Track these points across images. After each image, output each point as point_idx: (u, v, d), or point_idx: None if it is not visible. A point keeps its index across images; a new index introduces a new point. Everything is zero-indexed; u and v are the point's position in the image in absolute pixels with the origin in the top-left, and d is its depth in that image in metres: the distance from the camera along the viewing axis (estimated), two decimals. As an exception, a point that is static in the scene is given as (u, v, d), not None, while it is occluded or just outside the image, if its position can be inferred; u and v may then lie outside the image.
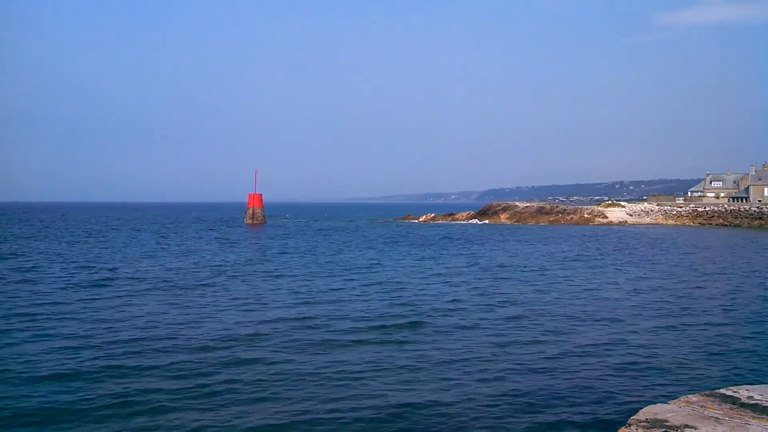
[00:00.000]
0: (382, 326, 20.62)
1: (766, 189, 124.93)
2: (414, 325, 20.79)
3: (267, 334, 19.19)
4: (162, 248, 53.27)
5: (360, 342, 18.43)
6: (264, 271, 36.52)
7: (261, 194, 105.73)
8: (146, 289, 28.49)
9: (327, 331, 19.80)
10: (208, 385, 14.01)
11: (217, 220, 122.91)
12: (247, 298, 26.34)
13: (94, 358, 16.10)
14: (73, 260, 41.79)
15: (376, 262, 42.84)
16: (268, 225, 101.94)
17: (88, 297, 26.16)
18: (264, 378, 14.62)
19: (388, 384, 14.30)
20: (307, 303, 25.32)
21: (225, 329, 19.95)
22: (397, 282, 32.08)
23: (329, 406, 12.84)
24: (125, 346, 17.45)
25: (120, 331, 19.52)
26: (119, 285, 30.01)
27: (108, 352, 16.83)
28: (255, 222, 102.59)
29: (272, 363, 15.94)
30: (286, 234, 78.49)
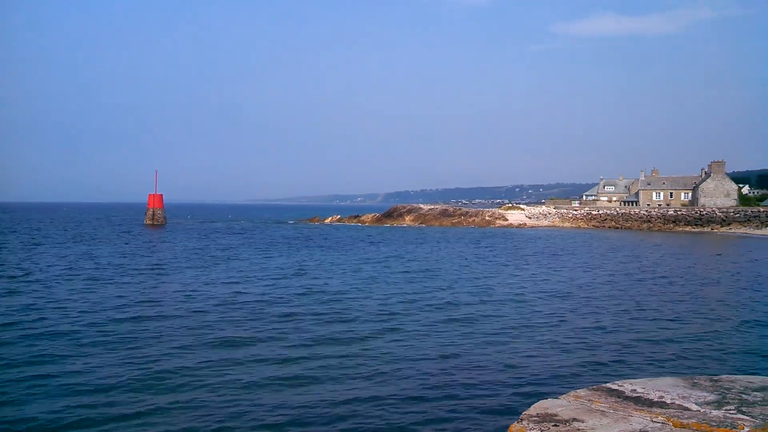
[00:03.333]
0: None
1: (653, 193, 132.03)
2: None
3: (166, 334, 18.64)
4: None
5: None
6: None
7: (162, 195, 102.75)
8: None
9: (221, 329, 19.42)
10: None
11: (112, 222, 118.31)
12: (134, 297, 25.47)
13: None
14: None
15: (295, 265, 42.39)
16: (169, 226, 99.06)
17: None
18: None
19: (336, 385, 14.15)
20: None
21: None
22: (328, 284, 31.87)
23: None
24: None
25: None
26: None
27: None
28: (155, 223, 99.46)
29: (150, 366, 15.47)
30: (191, 236, 76.44)
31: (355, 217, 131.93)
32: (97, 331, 19.41)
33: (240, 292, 28.34)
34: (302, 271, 37.55)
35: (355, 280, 33.79)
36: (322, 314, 23.12)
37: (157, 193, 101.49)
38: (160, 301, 25.60)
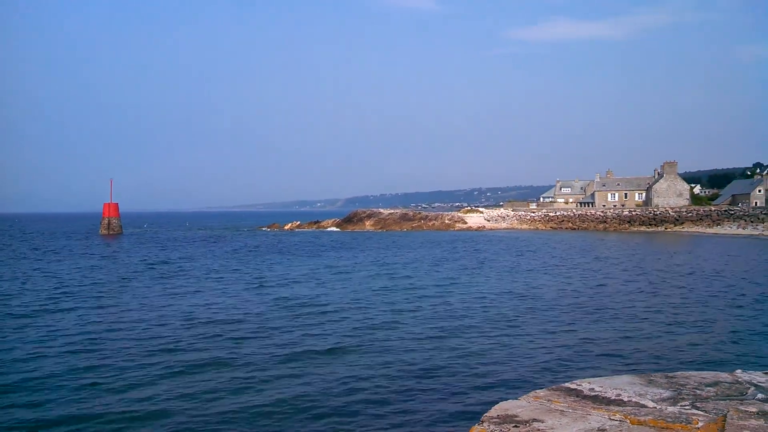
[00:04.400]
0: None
1: (609, 194, 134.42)
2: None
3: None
4: None
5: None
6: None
7: (117, 203, 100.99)
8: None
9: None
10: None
11: (64, 232, 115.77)
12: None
13: None
14: None
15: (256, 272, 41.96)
16: (126, 235, 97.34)
17: None
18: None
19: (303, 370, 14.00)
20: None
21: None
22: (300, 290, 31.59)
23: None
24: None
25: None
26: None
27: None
28: (111, 232, 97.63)
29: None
30: (148, 246, 75.18)
31: (315, 222, 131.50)
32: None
33: (203, 306, 27.97)
34: (267, 282, 37.16)
35: (322, 289, 33.63)
36: (287, 326, 22.95)
37: (113, 202, 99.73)
38: (119, 325, 25.12)
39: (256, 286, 33.94)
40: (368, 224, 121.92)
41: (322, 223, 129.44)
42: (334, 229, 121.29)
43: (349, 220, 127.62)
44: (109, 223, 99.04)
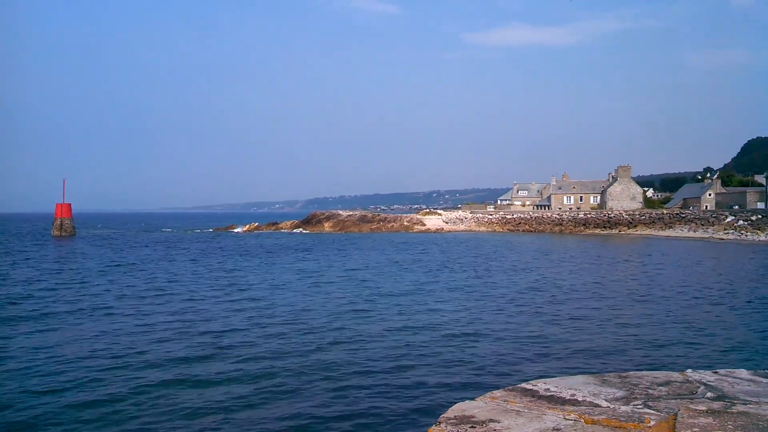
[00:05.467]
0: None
1: (565, 197, 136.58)
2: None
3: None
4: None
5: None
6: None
7: (70, 204, 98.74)
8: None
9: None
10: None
11: (19, 233, 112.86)
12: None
13: None
14: None
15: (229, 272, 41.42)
16: (79, 237, 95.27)
17: None
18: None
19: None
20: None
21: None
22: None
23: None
24: None
25: None
26: None
27: None
28: (64, 234, 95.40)
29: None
30: (103, 248, 73.72)
31: (274, 224, 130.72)
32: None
33: (165, 314, 27.52)
34: (233, 284, 36.80)
35: (284, 291, 33.41)
36: (249, 329, 22.73)
37: (65, 203, 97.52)
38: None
39: (220, 290, 33.53)
40: (327, 226, 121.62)
41: (281, 225, 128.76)
42: (292, 230, 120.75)
43: (307, 221, 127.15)
44: (61, 224, 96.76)
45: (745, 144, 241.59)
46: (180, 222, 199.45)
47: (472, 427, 3.72)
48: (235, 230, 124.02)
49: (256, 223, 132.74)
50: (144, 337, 20.35)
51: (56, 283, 35.08)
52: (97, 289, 32.76)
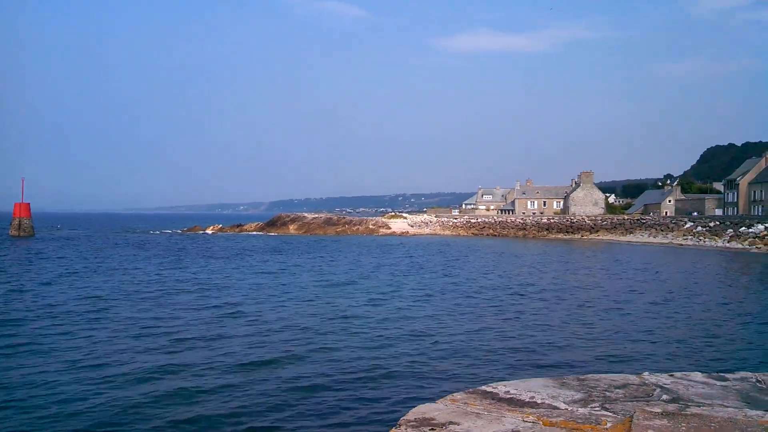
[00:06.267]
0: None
1: (528, 202, 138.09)
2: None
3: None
4: None
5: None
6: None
7: (29, 203, 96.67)
8: None
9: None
10: None
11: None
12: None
13: None
14: None
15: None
16: (38, 237, 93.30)
17: None
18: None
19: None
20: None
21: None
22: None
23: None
24: None
25: None
26: None
27: None
28: (22, 234, 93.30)
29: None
30: (64, 249, 72.29)
31: (238, 226, 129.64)
32: None
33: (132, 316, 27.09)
34: (199, 287, 36.38)
35: (251, 294, 33.15)
36: (210, 333, 22.50)
37: (24, 202, 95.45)
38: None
39: (185, 292, 33.14)
40: (292, 228, 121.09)
41: (246, 227, 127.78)
42: (257, 232, 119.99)
43: (272, 223, 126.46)
44: (20, 224, 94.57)
45: (705, 152, 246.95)
46: (145, 223, 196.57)
47: (432, 429, 3.74)
48: (209, 231, 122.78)
49: (220, 225, 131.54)
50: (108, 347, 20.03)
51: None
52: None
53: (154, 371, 16.07)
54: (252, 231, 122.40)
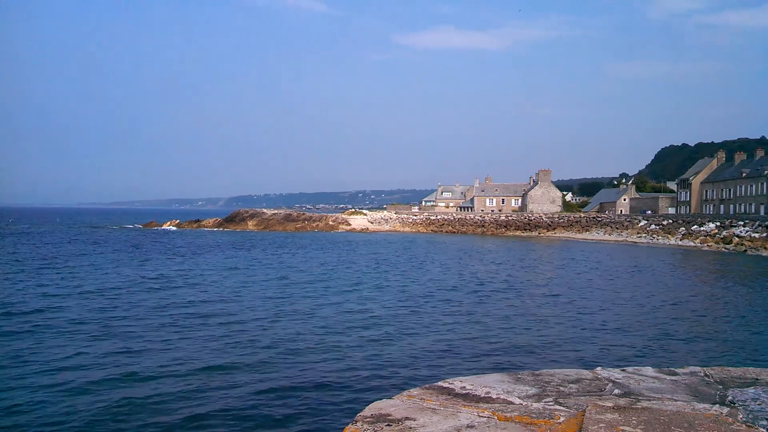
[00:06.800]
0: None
1: (487, 200, 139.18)
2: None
3: None
4: None
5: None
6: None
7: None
8: None
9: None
10: None
11: None
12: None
13: None
14: None
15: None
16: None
17: None
18: None
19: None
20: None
21: None
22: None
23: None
24: None
25: None
26: None
27: None
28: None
29: None
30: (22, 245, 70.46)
31: (196, 221, 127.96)
32: None
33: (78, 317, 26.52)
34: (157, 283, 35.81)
35: (214, 289, 32.77)
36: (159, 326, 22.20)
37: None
38: None
39: (145, 290, 32.61)
40: (251, 224, 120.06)
41: (203, 222, 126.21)
42: (215, 228, 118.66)
43: (231, 219, 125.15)
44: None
45: (659, 151, 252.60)
46: (98, 218, 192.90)
47: (389, 425, 3.74)
48: (166, 227, 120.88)
49: (178, 220, 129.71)
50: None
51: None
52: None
53: (108, 375, 15.79)
54: (210, 227, 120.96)
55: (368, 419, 3.86)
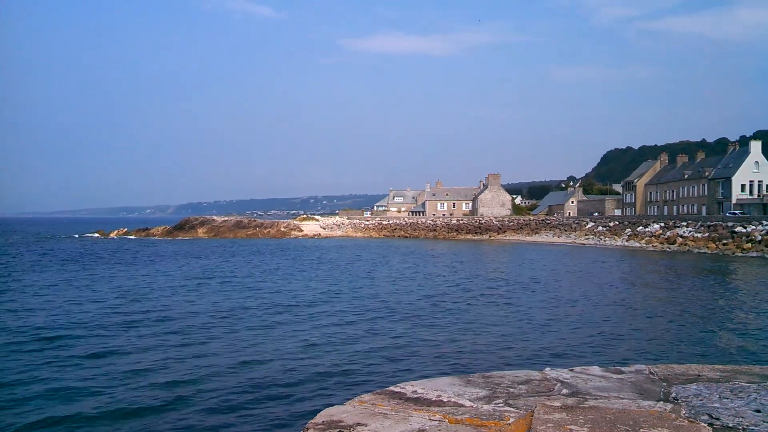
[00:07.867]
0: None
1: (438, 204, 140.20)
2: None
3: None
4: None
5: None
6: None
7: None
8: None
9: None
10: None
11: None
12: None
13: None
14: None
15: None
16: None
17: None
18: None
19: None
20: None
21: None
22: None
23: None
24: None
25: None
26: None
27: None
28: None
29: None
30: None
31: (144, 230, 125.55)
32: None
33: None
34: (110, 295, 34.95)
35: (166, 297, 32.14)
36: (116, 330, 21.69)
37: None
38: None
39: (92, 301, 31.81)
40: (201, 232, 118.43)
41: (152, 231, 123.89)
42: (164, 237, 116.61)
43: (180, 227, 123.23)
44: None
45: (605, 154, 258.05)
46: (42, 227, 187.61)
47: (340, 431, 3.73)
48: (113, 236, 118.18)
49: (125, 229, 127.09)
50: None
51: None
52: None
53: (62, 388, 15.37)
54: (159, 236, 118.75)
55: (320, 426, 3.83)
